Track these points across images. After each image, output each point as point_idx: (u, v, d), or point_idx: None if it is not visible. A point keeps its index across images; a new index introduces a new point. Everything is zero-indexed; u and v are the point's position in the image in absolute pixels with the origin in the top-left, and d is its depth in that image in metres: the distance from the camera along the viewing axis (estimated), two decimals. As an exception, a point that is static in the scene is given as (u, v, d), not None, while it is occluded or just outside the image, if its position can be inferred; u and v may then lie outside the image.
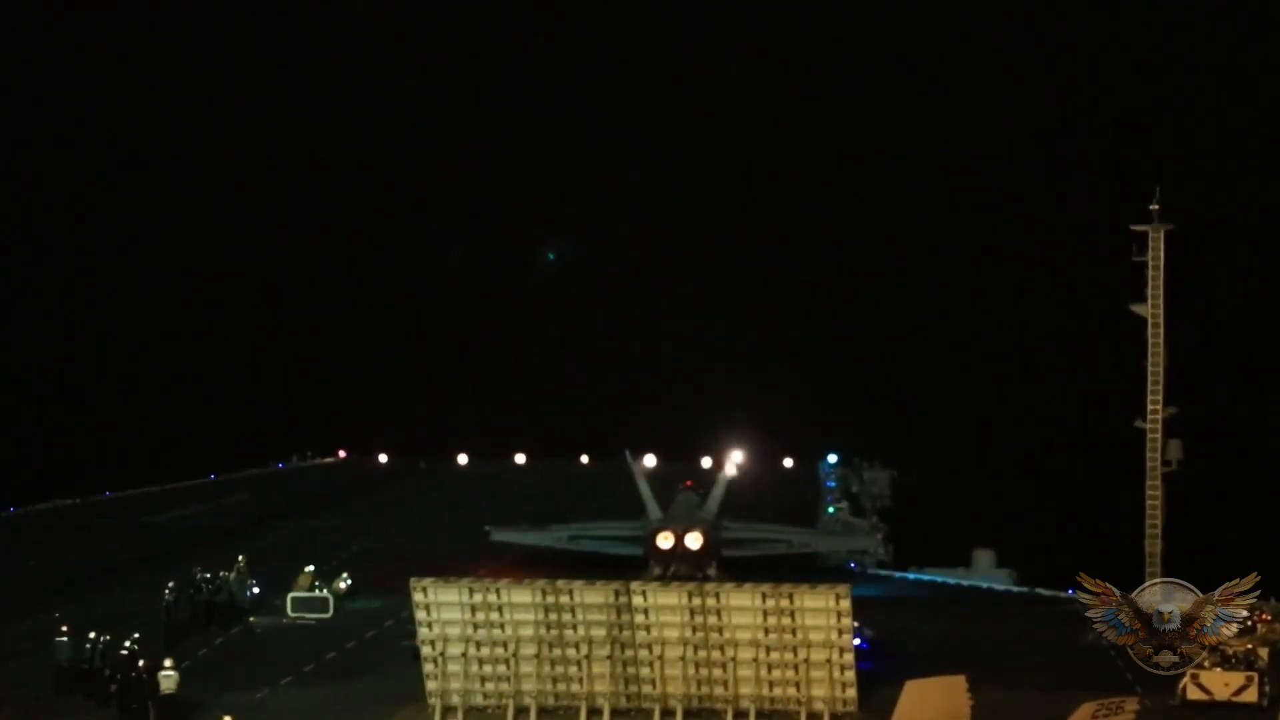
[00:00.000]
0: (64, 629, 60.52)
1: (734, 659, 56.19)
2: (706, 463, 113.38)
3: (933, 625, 70.96)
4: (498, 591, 56.97)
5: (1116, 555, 73.94)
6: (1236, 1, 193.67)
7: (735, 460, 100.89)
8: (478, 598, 56.76)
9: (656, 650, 56.29)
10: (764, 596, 56.19)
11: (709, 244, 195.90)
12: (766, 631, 56.09)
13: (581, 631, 56.38)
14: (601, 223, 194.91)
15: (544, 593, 56.64)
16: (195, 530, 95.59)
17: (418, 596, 57.13)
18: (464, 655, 56.88)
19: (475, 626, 56.81)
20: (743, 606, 56.18)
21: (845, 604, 55.75)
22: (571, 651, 56.57)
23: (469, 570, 67.05)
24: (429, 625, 57.13)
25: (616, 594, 56.50)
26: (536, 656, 56.67)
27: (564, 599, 56.44)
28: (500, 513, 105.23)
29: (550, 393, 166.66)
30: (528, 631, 56.66)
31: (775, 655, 55.94)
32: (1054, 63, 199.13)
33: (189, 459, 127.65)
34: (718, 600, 56.25)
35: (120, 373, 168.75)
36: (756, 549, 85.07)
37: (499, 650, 56.83)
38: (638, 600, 56.31)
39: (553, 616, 56.52)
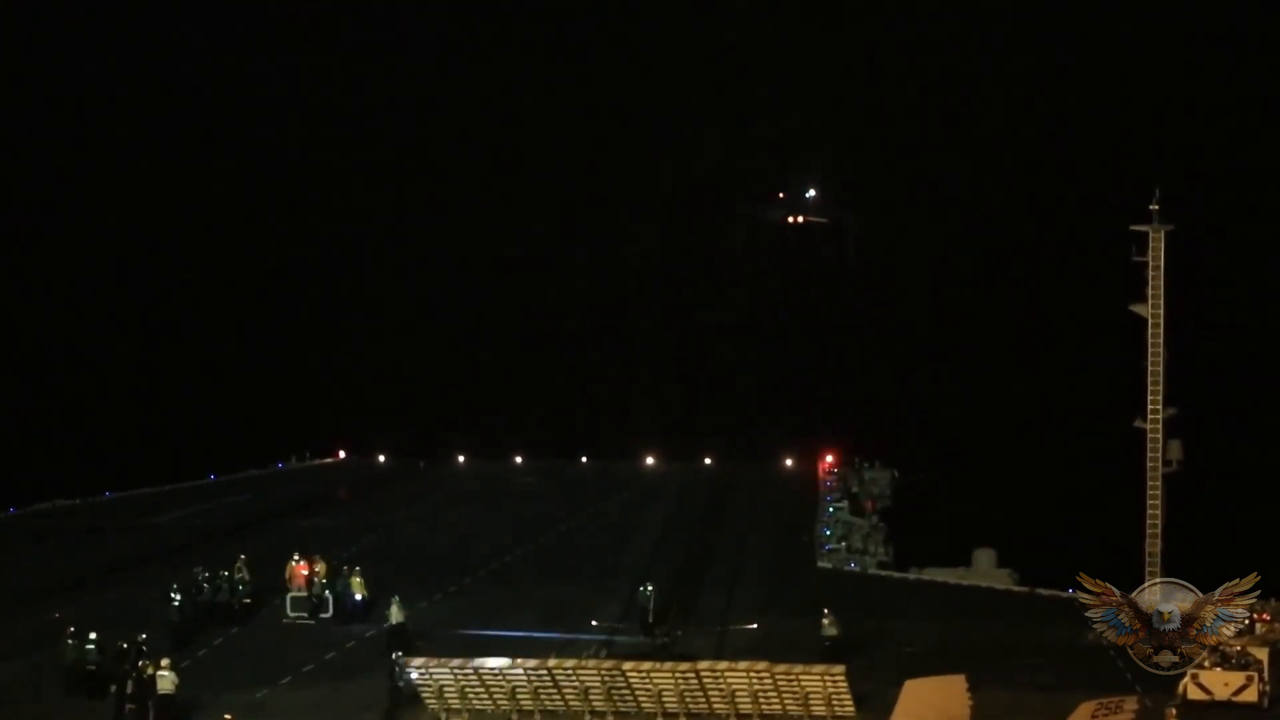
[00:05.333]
0: (70, 629, 60.59)
1: (731, 697, 56.42)
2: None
3: (933, 625, 70.98)
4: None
5: (1116, 555, 73.96)
6: (1237, 1, 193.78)
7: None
8: (469, 669, 57.10)
9: (652, 694, 56.65)
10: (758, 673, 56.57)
11: (706, 243, 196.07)
12: (761, 685, 56.39)
13: (576, 684, 56.88)
14: (599, 219, 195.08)
15: (535, 668, 57.25)
16: (196, 530, 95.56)
17: (412, 674, 57.45)
18: (461, 697, 57.15)
19: (469, 683, 57.25)
20: (738, 676, 56.47)
21: (840, 678, 55.87)
22: (569, 690, 57.01)
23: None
24: (423, 682, 57.41)
25: (609, 670, 57.10)
26: (534, 699, 57.03)
27: (556, 673, 57.03)
28: (499, 512, 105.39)
29: (549, 393, 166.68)
30: (523, 686, 57.11)
31: (773, 694, 56.13)
32: (1052, 62, 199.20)
33: (189, 459, 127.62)
34: (711, 671, 56.65)
35: (120, 373, 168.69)
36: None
37: (496, 691, 57.21)
38: (631, 675, 56.72)
39: (547, 680, 56.95)
